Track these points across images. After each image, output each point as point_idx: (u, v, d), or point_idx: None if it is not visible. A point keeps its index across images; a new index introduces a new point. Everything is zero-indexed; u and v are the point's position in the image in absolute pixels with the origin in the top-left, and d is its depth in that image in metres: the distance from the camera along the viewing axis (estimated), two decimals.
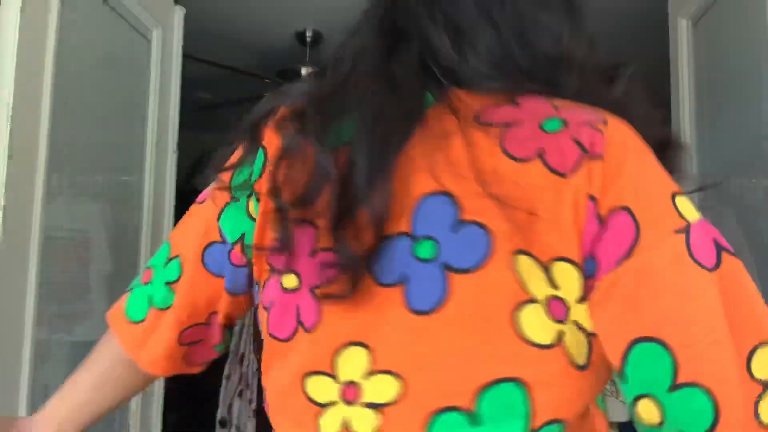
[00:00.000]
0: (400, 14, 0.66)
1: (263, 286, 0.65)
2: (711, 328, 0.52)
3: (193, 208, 0.75)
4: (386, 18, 0.67)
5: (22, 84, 1.40)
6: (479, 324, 0.56)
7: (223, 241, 0.70)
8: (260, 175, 0.65)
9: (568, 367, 0.56)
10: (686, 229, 0.54)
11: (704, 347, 0.52)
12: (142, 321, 0.74)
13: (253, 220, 0.65)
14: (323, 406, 0.60)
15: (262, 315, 0.66)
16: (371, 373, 0.58)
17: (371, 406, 0.58)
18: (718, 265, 0.54)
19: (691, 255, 0.54)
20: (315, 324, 0.60)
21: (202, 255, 0.71)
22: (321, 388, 0.60)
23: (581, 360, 0.56)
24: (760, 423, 0.51)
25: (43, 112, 1.47)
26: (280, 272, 0.62)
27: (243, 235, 0.68)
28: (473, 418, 0.55)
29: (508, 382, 0.55)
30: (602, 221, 0.54)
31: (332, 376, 0.59)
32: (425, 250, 0.57)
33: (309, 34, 3.11)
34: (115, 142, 1.83)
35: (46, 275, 1.48)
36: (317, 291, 0.59)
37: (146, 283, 0.75)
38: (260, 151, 0.65)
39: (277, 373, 0.65)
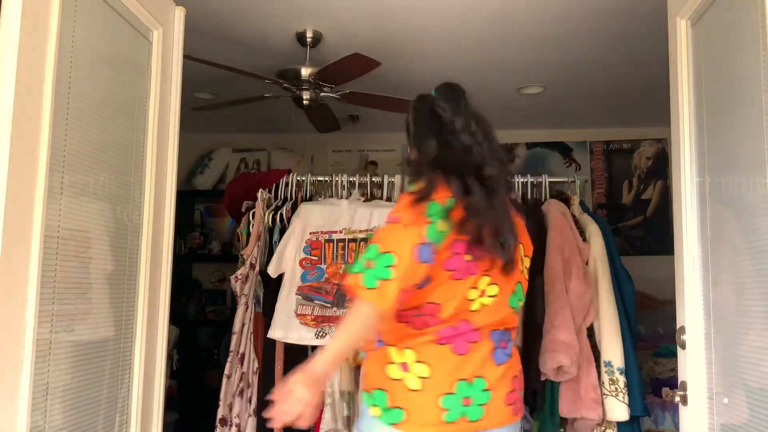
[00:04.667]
0: None
1: None
2: None
3: None
4: None
5: (22, 84, 1.41)
6: None
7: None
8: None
9: None
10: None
11: None
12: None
13: None
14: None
15: None
16: None
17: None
18: None
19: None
20: None
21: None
22: None
23: None
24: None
25: (43, 112, 1.47)
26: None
27: None
28: None
29: None
30: None
31: None
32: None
33: (309, 34, 3.12)
34: (115, 142, 1.83)
35: (47, 275, 1.48)
36: None
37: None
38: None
39: None
